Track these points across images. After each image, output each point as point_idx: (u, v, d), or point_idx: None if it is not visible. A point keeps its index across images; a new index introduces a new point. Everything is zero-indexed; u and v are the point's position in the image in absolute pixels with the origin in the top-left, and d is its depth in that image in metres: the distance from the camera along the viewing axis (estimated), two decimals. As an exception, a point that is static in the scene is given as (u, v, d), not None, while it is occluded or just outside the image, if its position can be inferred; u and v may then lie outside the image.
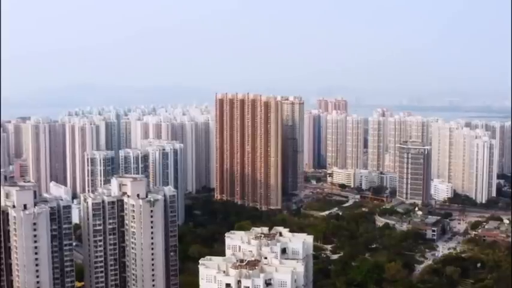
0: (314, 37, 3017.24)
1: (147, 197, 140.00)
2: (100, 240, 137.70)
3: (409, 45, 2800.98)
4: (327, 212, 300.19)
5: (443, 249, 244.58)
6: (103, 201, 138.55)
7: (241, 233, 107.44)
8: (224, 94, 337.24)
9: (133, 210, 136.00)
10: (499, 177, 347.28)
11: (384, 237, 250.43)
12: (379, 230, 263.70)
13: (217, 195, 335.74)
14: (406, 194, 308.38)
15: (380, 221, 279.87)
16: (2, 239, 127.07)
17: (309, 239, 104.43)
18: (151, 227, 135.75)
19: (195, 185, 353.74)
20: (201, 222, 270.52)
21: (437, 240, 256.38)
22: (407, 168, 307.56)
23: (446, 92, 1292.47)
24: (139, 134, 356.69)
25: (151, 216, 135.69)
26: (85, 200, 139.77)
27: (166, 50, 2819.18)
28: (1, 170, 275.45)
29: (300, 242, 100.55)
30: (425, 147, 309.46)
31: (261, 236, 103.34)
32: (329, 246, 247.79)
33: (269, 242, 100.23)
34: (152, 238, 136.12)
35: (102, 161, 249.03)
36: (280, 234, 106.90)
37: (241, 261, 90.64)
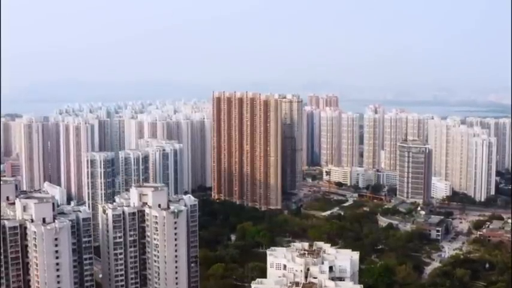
0: (299, 34, 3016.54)
1: (168, 207, 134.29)
2: (121, 253, 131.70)
3: (396, 42, 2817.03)
4: (328, 212, 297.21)
5: (448, 249, 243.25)
6: (123, 213, 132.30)
7: (283, 249, 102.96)
8: (221, 92, 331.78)
9: (157, 222, 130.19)
10: (495, 174, 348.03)
11: (389, 238, 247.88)
12: (383, 231, 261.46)
13: (214, 195, 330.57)
14: (407, 193, 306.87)
15: (383, 221, 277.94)
16: (20, 254, 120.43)
17: (355, 255, 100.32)
18: (175, 239, 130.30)
19: (190, 184, 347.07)
20: (202, 224, 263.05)
21: (441, 240, 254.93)
22: (408, 167, 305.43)
23: (431, 87, 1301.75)
24: (133, 133, 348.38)
25: (175, 228, 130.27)
26: (104, 211, 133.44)
27: (149, 45, 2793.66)
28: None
29: (347, 259, 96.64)
30: (426, 146, 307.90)
31: (305, 253, 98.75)
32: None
33: (315, 260, 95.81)
34: (176, 251, 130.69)
35: (102, 163, 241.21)
36: (323, 251, 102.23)
37: (297, 284, 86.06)
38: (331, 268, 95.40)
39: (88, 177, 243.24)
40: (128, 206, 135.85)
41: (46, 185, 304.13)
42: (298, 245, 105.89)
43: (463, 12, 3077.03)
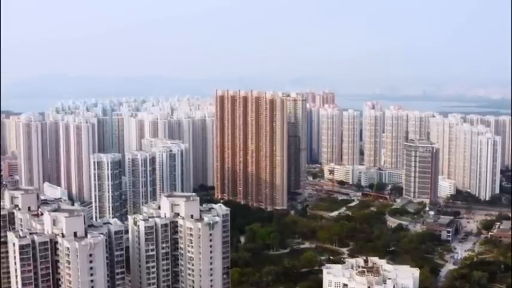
0: (287, 28, 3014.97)
1: (200, 217, 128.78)
2: (153, 267, 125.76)
3: (385, 38, 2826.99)
4: (335, 213, 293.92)
5: (460, 251, 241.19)
6: (155, 224, 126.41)
7: (339, 267, 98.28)
8: (225, 91, 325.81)
9: (191, 234, 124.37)
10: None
11: (400, 240, 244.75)
12: (393, 232, 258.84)
13: (217, 195, 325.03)
14: (414, 192, 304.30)
15: (391, 221, 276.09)
16: (50, 271, 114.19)
17: (416, 272, 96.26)
18: (211, 252, 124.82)
19: (192, 183, 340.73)
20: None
21: (452, 241, 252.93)
22: (414, 166, 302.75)
23: (420, 82, 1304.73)
24: (134, 132, 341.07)
25: (211, 240, 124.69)
26: (135, 222, 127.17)
27: (132, 40, 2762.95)
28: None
29: (410, 277, 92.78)
30: (433, 145, 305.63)
31: (364, 271, 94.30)
32: (345, 250, 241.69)
33: (377, 278, 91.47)
34: (211, 264, 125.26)
35: (109, 165, 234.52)
36: (381, 267, 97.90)
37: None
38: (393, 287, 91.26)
39: (95, 179, 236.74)
40: (159, 216, 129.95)
41: (46, 186, 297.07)
42: (352, 261, 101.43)
43: (453, 7, 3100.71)
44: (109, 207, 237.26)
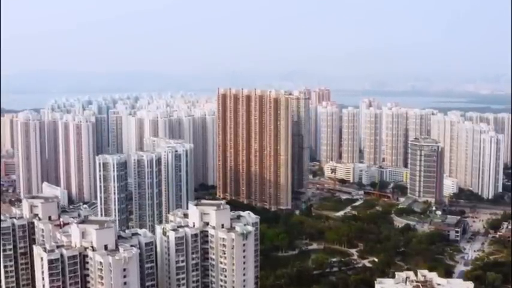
0: (276, 23, 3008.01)
1: (231, 226, 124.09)
2: (183, 278, 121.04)
3: (375, 33, 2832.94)
4: (341, 213, 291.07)
5: (470, 251, 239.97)
6: (186, 234, 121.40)
7: (391, 281, 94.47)
8: (227, 89, 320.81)
9: (224, 245, 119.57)
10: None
11: (411, 241, 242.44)
12: (401, 232, 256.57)
13: (219, 194, 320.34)
14: (419, 191, 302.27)
15: (398, 221, 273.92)
16: (80, 286, 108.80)
17: (471, 286, 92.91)
18: (244, 262, 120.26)
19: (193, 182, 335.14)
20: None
21: (460, 241, 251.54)
22: (420, 165, 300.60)
23: (409, 77, 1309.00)
24: (133, 131, 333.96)
25: (244, 251, 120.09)
26: (165, 233, 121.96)
27: (116, 34, 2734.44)
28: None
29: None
30: (438, 144, 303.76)
31: (419, 286, 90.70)
32: (354, 251, 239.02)
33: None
34: (244, 275, 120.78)
35: (115, 166, 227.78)
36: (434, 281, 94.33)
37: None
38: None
39: (100, 181, 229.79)
40: (187, 226, 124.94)
41: (45, 185, 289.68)
42: (402, 274, 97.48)
43: (442, 4, 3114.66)
44: (114, 209, 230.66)
